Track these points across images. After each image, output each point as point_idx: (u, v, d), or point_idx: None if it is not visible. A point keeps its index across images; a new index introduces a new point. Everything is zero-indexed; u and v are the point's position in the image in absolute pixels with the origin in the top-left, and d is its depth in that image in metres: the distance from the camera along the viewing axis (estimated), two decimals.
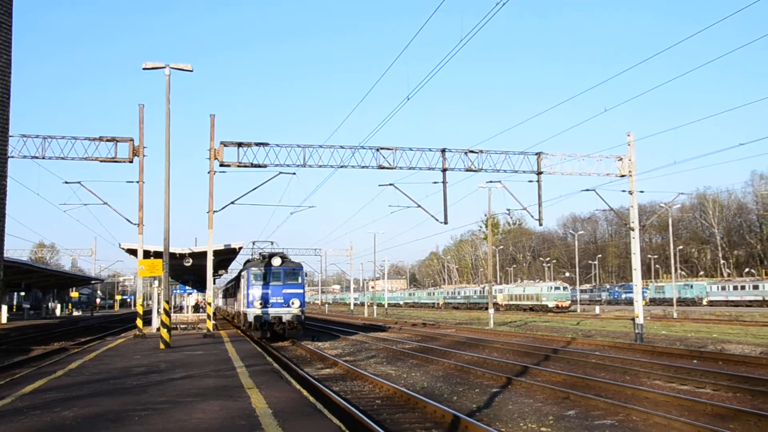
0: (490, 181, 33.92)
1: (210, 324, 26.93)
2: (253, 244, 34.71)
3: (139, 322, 27.63)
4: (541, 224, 27.86)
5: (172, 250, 25.23)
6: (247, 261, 33.10)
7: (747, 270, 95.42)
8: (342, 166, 25.01)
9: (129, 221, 27.17)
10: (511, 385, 15.43)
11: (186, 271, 35.20)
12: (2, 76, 5.23)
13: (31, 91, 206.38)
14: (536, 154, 26.45)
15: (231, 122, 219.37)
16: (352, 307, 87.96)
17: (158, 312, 29.06)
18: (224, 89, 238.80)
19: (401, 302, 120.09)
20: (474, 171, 25.95)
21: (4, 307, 56.54)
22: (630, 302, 69.96)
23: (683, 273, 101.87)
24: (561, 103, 57.96)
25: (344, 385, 15.95)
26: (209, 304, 27.09)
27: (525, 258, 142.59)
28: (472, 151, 25.77)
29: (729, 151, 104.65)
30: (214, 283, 41.50)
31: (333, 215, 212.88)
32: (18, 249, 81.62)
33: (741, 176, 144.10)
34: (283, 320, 27.94)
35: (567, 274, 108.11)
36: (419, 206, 26.97)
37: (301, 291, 28.70)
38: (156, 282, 32.67)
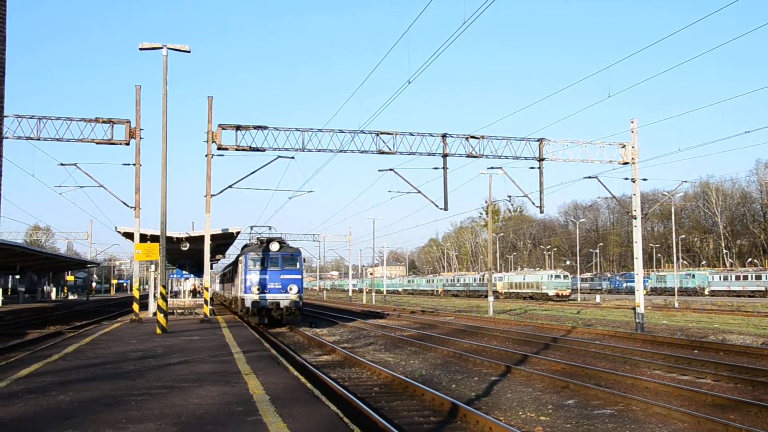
0: (491, 168, 33.59)
1: (207, 309, 26.85)
2: (251, 228, 34.50)
3: (135, 307, 27.55)
4: (542, 211, 27.61)
5: (168, 234, 25.07)
6: (245, 246, 32.93)
7: (750, 260, 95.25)
8: (341, 151, 24.76)
9: (126, 204, 26.99)
10: (510, 373, 15.31)
11: (183, 255, 35.11)
12: None
13: (26, 72, 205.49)
14: (538, 140, 26.18)
15: (229, 105, 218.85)
16: (350, 293, 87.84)
17: (155, 296, 28.96)
18: (223, 72, 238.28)
19: (400, 289, 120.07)
20: (475, 157, 25.70)
21: None
22: (631, 291, 69.99)
23: (685, 262, 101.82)
24: (564, 89, 57.70)
25: (342, 372, 15.83)
26: (206, 289, 26.98)
27: (525, 246, 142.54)
28: (473, 137, 25.51)
29: (733, 139, 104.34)
30: (212, 267, 41.37)
31: (332, 200, 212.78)
32: (13, 231, 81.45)
33: (745, 165, 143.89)
34: (281, 306, 27.81)
35: (568, 263, 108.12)
36: (419, 192, 26.76)
37: (299, 276, 28.53)
38: (152, 266, 32.55)
